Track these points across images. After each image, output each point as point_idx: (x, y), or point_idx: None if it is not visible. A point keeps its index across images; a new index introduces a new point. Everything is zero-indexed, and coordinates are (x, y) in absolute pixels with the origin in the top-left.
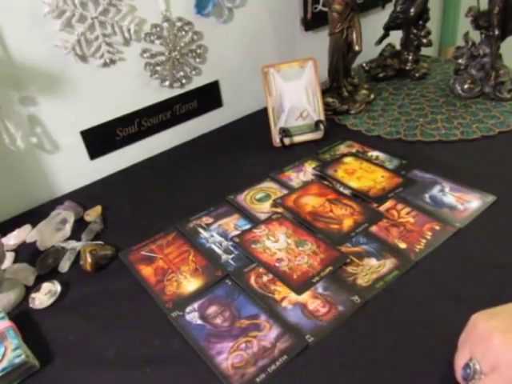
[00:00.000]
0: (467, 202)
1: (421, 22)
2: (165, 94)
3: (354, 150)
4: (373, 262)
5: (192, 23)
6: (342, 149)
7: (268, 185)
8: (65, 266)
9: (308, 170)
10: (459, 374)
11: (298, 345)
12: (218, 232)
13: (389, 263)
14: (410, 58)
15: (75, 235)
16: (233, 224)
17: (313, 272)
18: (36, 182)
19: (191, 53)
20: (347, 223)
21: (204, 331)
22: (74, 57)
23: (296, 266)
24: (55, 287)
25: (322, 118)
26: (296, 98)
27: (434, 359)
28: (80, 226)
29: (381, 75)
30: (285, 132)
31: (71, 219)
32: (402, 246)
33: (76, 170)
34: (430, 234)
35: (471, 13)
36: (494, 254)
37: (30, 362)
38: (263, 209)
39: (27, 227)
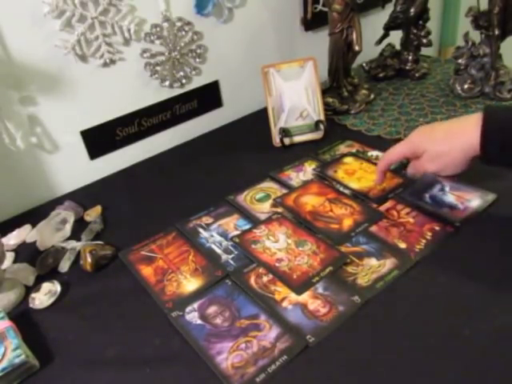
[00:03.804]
0: (467, 201)
1: (421, 22)
2: (165, 94)
3: (354, 150)
4: (373, 261)
5: (192, 23)
6: (342, 149)
7: (268, 185)
8: (65, 266)
9: (308, 170)
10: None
11: (298, 345)
12: (217, 232)
13: (389, 263)
14: (410, 58)
15: (75, 235)
16: (233, 224)
17: (313, 272)
18: (36, 182)
19: (191, 53)
20: (347, 223)
21: (204, 331)
22: (74, 57)
23: (296, 266)
24: (55, 287)
25: (322, 117)
26: (296, 97)
27: (434, 359)
28: (80, 226)
29: (381, 75)
30: (285, 132)
31: (71, 219)
32: (402, 245)
33: (76, 169)
34: (429, 234)
35: (471, 13)
36: (494, 254)
37: (30, 362)
38: (263, 209)
39: (27, 227)
